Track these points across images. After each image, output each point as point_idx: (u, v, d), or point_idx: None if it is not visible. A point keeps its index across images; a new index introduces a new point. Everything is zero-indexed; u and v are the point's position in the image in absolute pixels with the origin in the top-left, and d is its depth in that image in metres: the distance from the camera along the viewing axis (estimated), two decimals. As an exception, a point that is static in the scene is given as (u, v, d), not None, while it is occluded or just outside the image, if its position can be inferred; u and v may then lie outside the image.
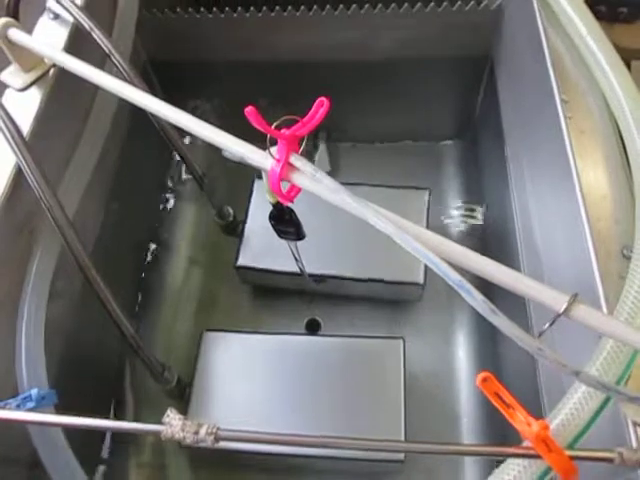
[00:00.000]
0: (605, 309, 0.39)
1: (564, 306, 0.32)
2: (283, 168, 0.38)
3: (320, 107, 0.39)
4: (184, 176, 0.84)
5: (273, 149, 0.39)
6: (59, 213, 0.48)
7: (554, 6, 0.50)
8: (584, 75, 0.48)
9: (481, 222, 0.79)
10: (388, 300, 0.75)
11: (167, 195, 0.84)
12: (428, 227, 0.71)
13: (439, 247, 0.35)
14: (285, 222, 0.50)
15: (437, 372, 0.72)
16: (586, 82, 0.48)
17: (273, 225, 0.51)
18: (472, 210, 0.80)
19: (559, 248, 0.48)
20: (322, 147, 0.84)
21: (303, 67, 0.73)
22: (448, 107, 0.80)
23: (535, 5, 0.54)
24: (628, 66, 0.84)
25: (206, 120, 0.83)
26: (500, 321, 0.33)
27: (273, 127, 0.37)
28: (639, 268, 0.38)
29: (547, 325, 0.34)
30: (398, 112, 0.81)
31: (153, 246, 0.81)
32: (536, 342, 0.33)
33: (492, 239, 0.75)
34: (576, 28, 0.47)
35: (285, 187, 0.41)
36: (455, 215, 0.81)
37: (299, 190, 0.41)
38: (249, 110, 0.35)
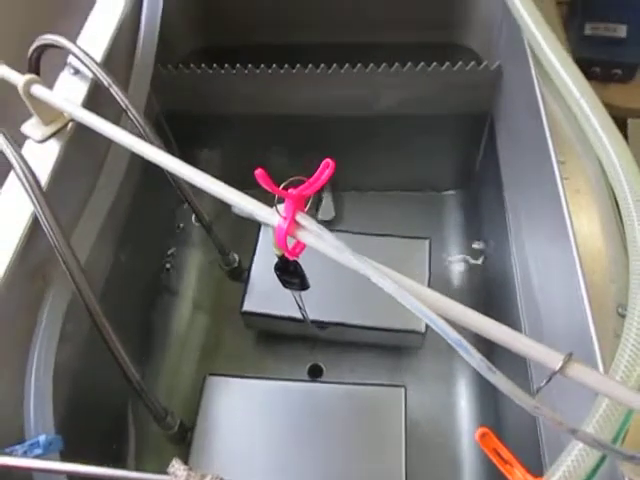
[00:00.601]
0: (602, 367, 0.40)
1: (559, 364, 0.33)
2: (290, 226, 0.40)
3: (326, 168, 0.40)
4: (192, 222, 0.86)
5: (280, 206, 0.41)
6: (72, 261, 0.49)
7: (549, 70, 0.52)
8: (579, 137, 0.50)
9: (482, 268, 0.80)
10: (390, 347, 0.76)
11: (174, 240, 0.86)
12: (430, 275, 0.73)
13: (439, 305, 0.37)
14: (290, 273, 0.52)
15: (438, 419, 0.72)
16: (581, 144, 0.50)
17: (278, 275, 0.52)
18: (473, 256, 0.81)
19: (556, 302, 0.50)
20: (327, 195, 0.87)
21: (310, 120, 0.76)
22: (450, 160, 0.83)
23: (532, 68, 0.56)
24: (624, 123, 0.87)
25: (216, 168, 0.87)
26: (497, 379, 0.34)
27: (281, 187, 0.39)
28: (632, 327, 0.39)
29: (544, 382, 0.35)
30: (401, 163, 0.83)
31: (159, 289, 0.83)
32: (533, 401, 0.34)
33: (493, 286, 0.76)
34: (570, 92, 0.50)
35: (291, 242, 0.43)
36: (456, 261, 0.82)
37: (304, 246, 0.42)
38: (259, 173, 0.37)
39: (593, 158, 0.49)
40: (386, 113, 0.74)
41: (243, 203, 0.42)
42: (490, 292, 0.76)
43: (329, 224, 0.86)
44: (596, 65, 0.66)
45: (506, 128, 0.69)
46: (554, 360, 0.33)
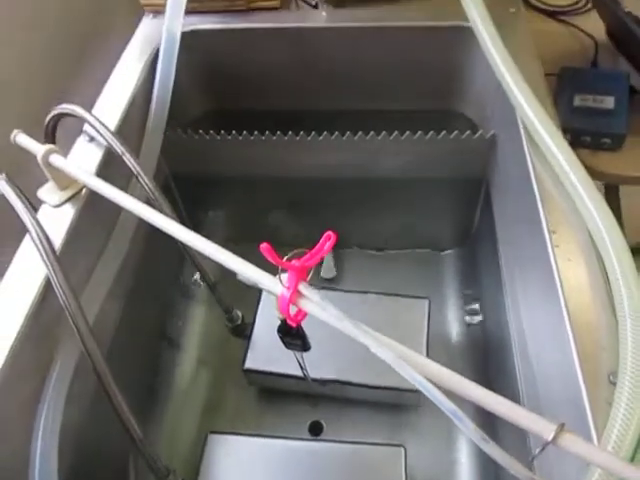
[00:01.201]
0: (594, 436, 0.41)
1: (552, 435, 0.34)
2: (292, 295, 0.42)
3: (327, 240, 0.43)
4: (197, 279, 0.89)
5: (284, 275, 0.43)
6: (82, 323, 0.51)
7: (539, 144, 0.55)
8: (570, 207, 0.53)
9: (480, 327, 0.82)
10: (389, 404, 0.76)
11: (179, 296, 0.88)
12: (429, 335, 0.74)
13: (435, 375, 0.38)
14: (292, 336, 0.53)
15: (438, 477, 0.72)
16: (572, 213, 0.53)
17: (280, 337, 0.54)
18: (471, 315, 0.83)
19: (550, 368, 0.51)
20: (329, 254, 0.89)
21: (313, 183, 0.79)
22: (448, 220, 0.86)
23: (524, 140, 0.60)
24: (616, 189, 0.90)
25: (221, 226, 0.89)
26: (492, 449, 0.36)
27: (285, 259, 0.41)
28: (622, 397, 0.40)
29: (537, 451, 0.36)
30: (401, 223, 0.86)
31: (163, 345, 0.84)
32: (528, 472, 0.35)
33: (491, 346, 0.77)
34: (560, 166, 0.52)
35: (293, 309, 0.44)
36: (455, 319, 0.84)
37: (306, 314, 0.44)
38: (264, 247, 0.39)
39: (583, 227, 0.51)
40: (386, 177, 0.77)
41: (248, 272, 0.44)
42: (488, 352, 0.77)
43: (331, 282, 0.88)
44: (586, 134, 0.69)
45: (501, 193, 0.71)
46: (547, 430, 0.35)
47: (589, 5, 0.90)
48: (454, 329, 0.83)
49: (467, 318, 0.83)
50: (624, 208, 1.11)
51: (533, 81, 0.64)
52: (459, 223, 0.86)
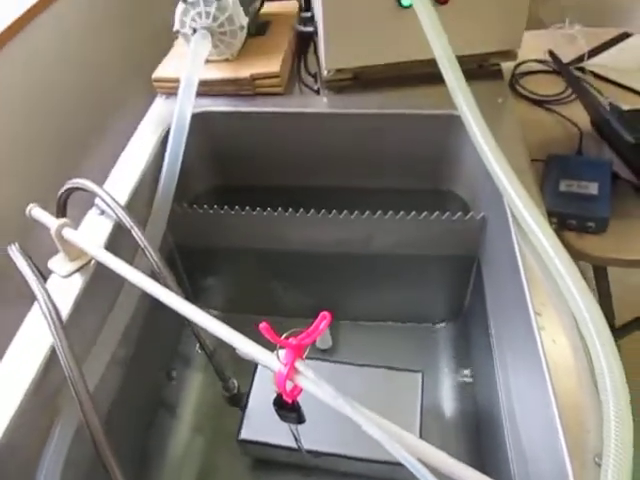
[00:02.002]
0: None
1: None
2: (289, 371, 0.44)
3: (323, 320, 0.45)
4: (195, 347, 0.90)
5: (281, 352, 0.45)
6: (83, 392, 0.52)
7: (525, 229, 0.58)
8: (555, 290, 0.55)
9: (472, 400, 0.82)
10: (383, 478, 0.76)
11: (177, 362, 0.89)
12: (422, 407, 0.75)
13: (425, 454, 0.40)
14: (287, 409, 0.55)
15: None
16: (556, 296, 0.55)
17: (276, 410, 0.56)
18: (464, 388, 0.84)
19: (539, 447, 0.52)
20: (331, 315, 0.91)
21: (311, 257, 0.82)
22: (441, 295, 0.88)
23: (511, 225, 0.63)
24: (604, 269, 0.93)
25: (221, 295, 0.91)
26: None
27: (283, 337, 0.44)
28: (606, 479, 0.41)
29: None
30: (396, 297, 0.88)
31: (159, 412, 0.84)
32: None
33: (483, 419, 0.78)
34: (545, 251, 0.55)
35: (290, 384, 0.46)
36: (448, 391, 0.84)
37: (302, 389, 0.46)
38: (262, 326, 0.42)
39: (568, 310, 0.53)
40: (381, 253, 0.80)
41: (247, 348, 0.46)
42: (480, 428, 0.78)
43: (326, 353, 0.89)
44: (571, 218, 0.73)
45: (491, 271, 0.74)
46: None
47: (574, 95, 0.96)
48: (447, 403, 0.84)
49: (460, 392, 0.84)
50: (618, 282, 1.14)
51: (519, 167, 0.68)
52: (452, 298, 0.88)
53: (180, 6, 0.77)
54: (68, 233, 0.58)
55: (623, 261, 0.72)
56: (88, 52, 1.16)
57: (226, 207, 0.76)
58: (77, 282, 0.60)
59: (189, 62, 0.74)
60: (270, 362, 0.45)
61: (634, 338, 1.12)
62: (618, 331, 1.14)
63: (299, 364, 0.44)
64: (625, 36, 1.11)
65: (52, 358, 0.54)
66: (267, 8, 0.98)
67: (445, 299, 0.89)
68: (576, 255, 0.73)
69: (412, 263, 0.82)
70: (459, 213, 0.73)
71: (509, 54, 0.85)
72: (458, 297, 0.87)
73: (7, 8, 0.92)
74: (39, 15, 0.97)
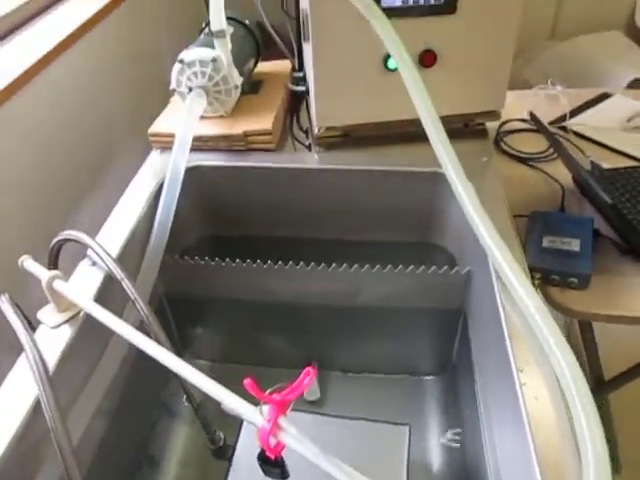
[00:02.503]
0: None
1: None
2: (272, 428, 0.44)
3: (307, 376, 0.46)
4: (182, 399, 0.90)
5: (265, 407, 0.46)
6: (66, 446, 0.52)
7: (507, 285, 0.59)
8: (537, 346, 0.56)
9: (459, 453, 0.82)
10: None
11: (163, 414, 0.89)
12: (409, 461, 0.74)
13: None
14: (271, 464, 0.55)
15: None
16: (539, 352, 0.56)
17: (260, 465, 0.55)
18: (451, 441, 0.83)
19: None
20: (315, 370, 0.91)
21: (299, 308, 0.83)
22: (429, 348, 0.89)
23: (493, 278, 0.64)
24: (589, 325, 0.94)
25: (209, 344, 0.91)
26: None
27: (267, 393, 0.44)
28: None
29: None
30: (383, 349, 0.89)
31: (142, 464, 0.83)
32: None
33: (470, 474, 0.77)
34: (526, 307, 0.56)
35: (273, 440, 0.46)
36: (435, 445, 0.84)
37: (285, 445, 0.46)
38: (247, 382, 0.42)
39: (550, 366, 0.54)
40: (369, 305, 0.81)
41: (232, 403, 0.47)
42: (468, 475, 0.77)
43: (314, 404, 0.89)
44: (554, 274, 0.74)
45: (476, 325, 0.75)
46: None
47: (556, 154, 0.99)
48: (434, 456, 0.83)
49: (447, 445, 0.83)
50: (606, 334, 1.15)
51: (502, 224, 0.70)
52: (439, 350, 0.89)
53: (177, 66, 0.81)
54: (59, 285, 0.59)
55: (606, 316, 0.73)
56: (84, 108, 1.20)
57: (217, 259, 0.78)
58: (66, 333, 0.60)
59: (184, 119, 0.77)
60: (254, 418, 0.46)
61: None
62: (607, 385, 1.14)
63: (282, 420, 0.44)
64: (605, 96, 1.16)
65: (37, 409, 0.54)
66: (261, 67, 1.02)
67: (432, 352, 0.89)
68: (560, 310, 0.74)
69: (399, 316, 0.83)
70: (445, 267, 0.75)
71: (493, 114, 0.88)
72: (445, 350, 0.88)
73: (4, 70, 0.95)
74: (37, 75, 1.01)
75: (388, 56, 0.78)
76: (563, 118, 1.10)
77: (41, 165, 1.05)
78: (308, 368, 0.46)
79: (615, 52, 1.81)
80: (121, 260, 0.68)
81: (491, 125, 0.91)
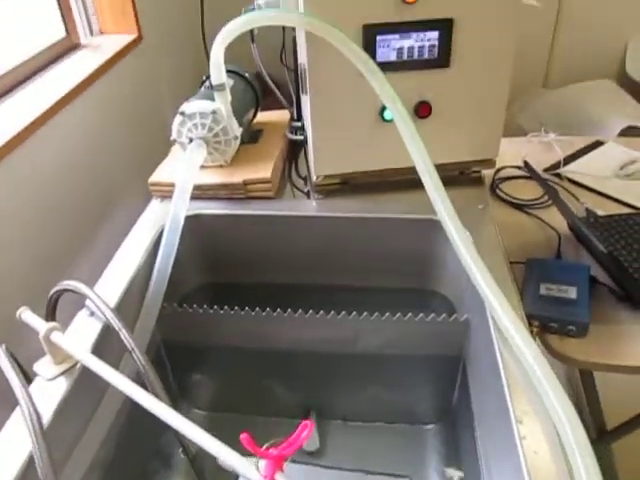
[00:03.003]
0: None
1: None
2: (269, 484, 0.43)
3: (304, 430, 0.45)
4: (178, 451, 0.88)
5: (262, 462, 0.45)
6: (59, 502, 0.52)
7: (506, 335, 0.59)
8: (537, 397, 0.56)
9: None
10: None
11: (158, 466, 0.87)
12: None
13: None
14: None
15: None
16: (538, 403, 0.56)
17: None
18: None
19: None
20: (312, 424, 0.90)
21: (297, 355, 0.82)
22: (428, 395, 0.88)
23: (491, 327, 0.64)
24: (591, 374, 0.93)
25: (207, 391, 0.90)
26: None
27: (264, 448, 0.44)
28: None
29: None
30: (383, 397, 0.88)
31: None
32: None
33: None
34: (525, 358, 0.56)
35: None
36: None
37: (282, 502, 0.45)
38: (243, 437, 0.42)
39: (549, 417, 0.54)
40: (368, 352, 0.81)
41: (228, 458, 0.46)
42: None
43: (313, 455, 0.87)
44: (552, 321, 0.74)
45: (476, 373, 0.75)
46: None
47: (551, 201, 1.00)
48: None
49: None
50: (607, 383, 1.14)
51: (499, 272, 0.70)
52: (439, 398, 0.87)
53: (178, 118, 0.82)
54: (56, 337, 0.59)
55: (605, 365, 0.73)
56: (86, 159, 1.23)
57: (215, 307, 0.78)
58: (62, 385, 0.60)
59: (184, 168, 0.79)
60: (250, 474, 0.45)
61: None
62: (610, 434, 1.12)
63: (279, 476, 0.44)
64: (598, 144, 1.18)
65: (31, 464, 0.53)
66: (261, 117, 1.04)
67: (432, 399, 0.88)
68: (559, 358, 0.74)
69: (398, 363, 0.82)
70: (443, 315, 0.75)
71: (488, 162, 0.90)
72: (445, 398, 0.87)
73: (9, 123, 0.98)
74: (40, 128, 1.04)
75: (384, 107, 0.79)
76: (557, 165, 1.12)
77: (43, 217, 1.07)
78: (306, 421, 0.46)
79: (607, 100, 1.86)
80: (120, 309, 0.69)
81: (487, 172, 0.93)
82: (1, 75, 1.10)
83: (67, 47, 1.36)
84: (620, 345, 0.74)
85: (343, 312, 0.76)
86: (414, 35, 0.75)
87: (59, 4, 1.34)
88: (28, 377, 0.61)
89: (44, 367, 0.61)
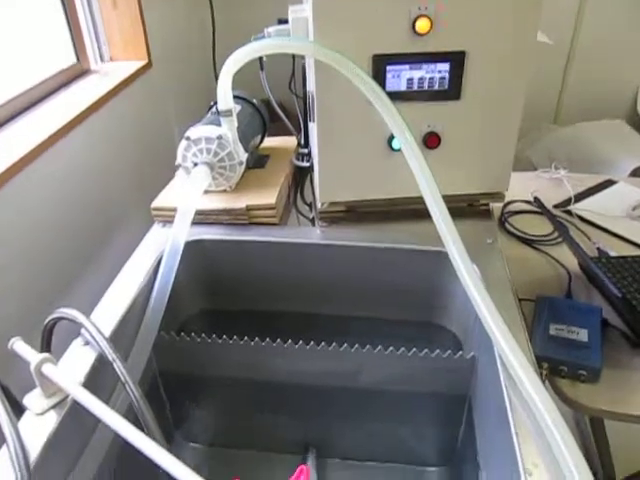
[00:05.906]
0: None
1: None
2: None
3: (301, 474, 0.43)
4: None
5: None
6: None
7: (515, 380, 0.56)
8: (544, 442, 0.53)
9: None
10: None
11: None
12: None
13: None
14: None
15: None
16: (547, 451, 0.53)
17: None
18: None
19: None
20: (311, 462, 0.86)
21: (297, 388, 0.80)
22: (432, 435, 0.84)
23: (499, 368, 0.62)
24: (601, 421, 0.89)
25: (204, 423, 0.87)
26: None
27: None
28: None
29: None
30: (385, 434, 0.85)
31: None
32: None
33: None
34: (535, 405, 0.53)
35: None
36: None
37: None
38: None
39: (560, 470, 0.51)
40: (370, 388, 0.78)
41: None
42: None
43: (311, 495, 0.84)
44: (563, 365, 0.71)
45: (482, 414, 0.72)
46: None
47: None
48: None
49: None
50: (618, 431, 1.09)
51: (507, 308, 0.68)
52: (443, 439, 0.84)
53: (183, 142, 0.81)
54: (47, 369, 0.57)
55: (618, 414, 0.69)
56: (89, 184, 1.22)
57: (213, 335, 0.75)
58: (52, 419, 0.57)
59: (187, 192, 0.77)
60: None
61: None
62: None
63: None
64: (609, 183, 1.16)
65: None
66: (268, 142, 1.03)
67: (436, 439, 0.85)
68: (569, 405, 0.71)
69: (401, 399, 0.79)
70: (449, 351, 0.72)
71: (497, 195, 0.88)
72: (450, 438, 0.83)
73: (14, 146, 0.98)
74: (42, 154, 1.04)
75: (392, 136, 0.78)
76: (568, 202, 1.10)
77: (46, 239, 1.06)
78: (302, 466, 0.44)
79: (618, 140, 1.85)
80: (116, 337, 0.67)
81: (496, 205, 0.91)
82: (10, 99, 1.11)
83: (77, 72, 1.37)
84: (633, 394, 0.71)
85: (345, 344, 0.74)
86: (425, 66, 0.74)
87: (70, 31, 1.35)
88: (20, 408, 0.59)
89: (34, 400, 0.59)
